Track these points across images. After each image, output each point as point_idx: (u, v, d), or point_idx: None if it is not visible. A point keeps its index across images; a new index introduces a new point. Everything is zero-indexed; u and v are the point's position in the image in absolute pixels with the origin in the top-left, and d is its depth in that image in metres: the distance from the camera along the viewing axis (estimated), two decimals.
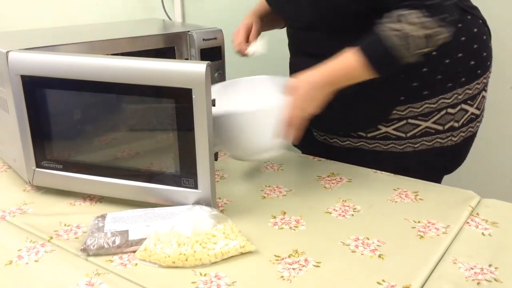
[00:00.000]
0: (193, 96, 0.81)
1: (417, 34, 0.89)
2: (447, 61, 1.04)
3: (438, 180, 1.16)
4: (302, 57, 1.12)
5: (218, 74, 1.16)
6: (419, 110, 1.06)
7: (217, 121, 0.88)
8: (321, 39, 1.05)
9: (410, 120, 1.07)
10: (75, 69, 0.87)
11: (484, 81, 1.11)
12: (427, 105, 1.05)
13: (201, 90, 0.81)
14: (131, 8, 2.01)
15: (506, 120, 1.60)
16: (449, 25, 0.91)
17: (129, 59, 0.85)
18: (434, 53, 1.01)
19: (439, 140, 1.09)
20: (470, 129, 1.12)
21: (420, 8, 0.89)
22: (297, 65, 1.12)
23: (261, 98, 1.04)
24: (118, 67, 0.85)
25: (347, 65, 0.92)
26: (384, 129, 1.09)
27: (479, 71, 1.08)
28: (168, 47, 1.12)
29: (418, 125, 1.07)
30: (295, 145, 1.33)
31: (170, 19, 1.89)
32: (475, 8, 1.11)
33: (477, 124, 1.13)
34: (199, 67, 0.81)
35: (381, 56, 0.91)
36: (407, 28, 0.89)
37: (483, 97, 1.12)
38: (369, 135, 1.10)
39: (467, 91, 1.07)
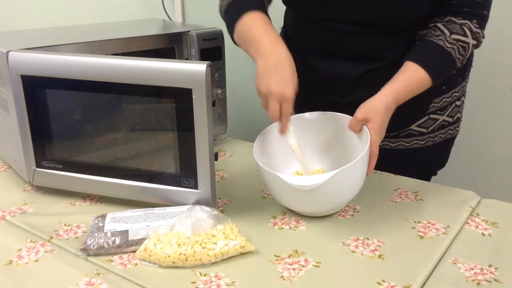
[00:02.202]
0: (193, 96, 0.81)
1: (473, 44, 0.94)
2: None
3: (436, 172, 1.21)
4: (336, 59, 1.05)
5: (218, 74, 1.16)
6: (438, 104, 1.09)
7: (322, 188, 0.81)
8: (372, 42, 1.01)
9: (431, 115, 1.09)
10: (75, 69, 0.87)
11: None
12: (444, 99, 1.09)
13: (201, 90, 0.81)
14: (131, 8, 2.01)
15: (506, 120, 1.60)
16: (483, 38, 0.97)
17: (129, 59, 0.85)
18: None
19: (450, 131, 1.13)
20: (461, 119, 1.17)
21: (473, 18, 0.93)
22: (326, 67, 1.06)
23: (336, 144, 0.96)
24: (118, 67, 0.85)
25: (414, 84, 0.93)
26: (408, 127, 1.10)
27: (472, 62, 1.15)
28: (168, 47, 1.12)
29: (437, 119, 1.10)
30: None
31: (170, 19, 1.89)
32: None
33: None
34: (199, 67, 0.81)
35: (443, 72, 0.95)
36: (469, 39, 0.93)
37: None
38: (392, 134, 1.11)
39: (466, 84, 1.13)
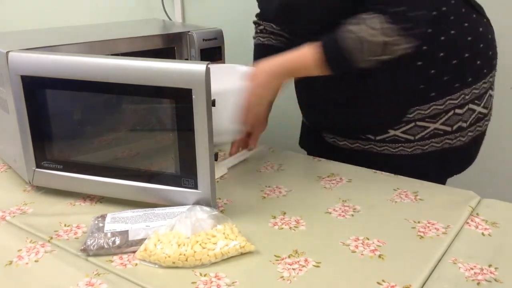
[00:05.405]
0: (193, 96, 0.81)
1: (374, 39, 0.89)
2: (454, 61, 1.03)
3: (444, 180, 1.15)
4: None
5: None
6: (426, 112, 1.05)
7: None
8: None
9: (418, 123, 1.06)
10: (75, 69, 0.87)
11: (491, 79, 1.10)
12: (434, 107, 1.05)
13: (201, 90, 0.81)
14: (131, 8, 2.01)
15: (506, 120, 1.60)
16: (411, 36, 0.90)
17: (129, 59, 0.85)
18: (441, 54, 1.01)
19: (448, 141, 1.08)
20: (478, 128, 1.11)
21: (385, 14, 0.89)
22: None
23: (223, 83, 0.99)
24: (118, 67, 0.85)
25: (304, 59, 0.94)
26: (392, 132, 1.08)
27: (485, 71, 1.08)
28: (168, 47, 1.12)
29: (427, 127, 1.06)
30: (302, 147, 1.33)
31: (170, 19, 1.89)
32: (480, 7, 1.10)
33: (485, 123, 1.13)
34: (199, 67, 0.81)
35: (334, 56, 0.92)
36: (364, 32, 0.89)
37: (490, 95, 1.12)
38: (377, 138, 1.09)
39: (474, 90, 1.07)
